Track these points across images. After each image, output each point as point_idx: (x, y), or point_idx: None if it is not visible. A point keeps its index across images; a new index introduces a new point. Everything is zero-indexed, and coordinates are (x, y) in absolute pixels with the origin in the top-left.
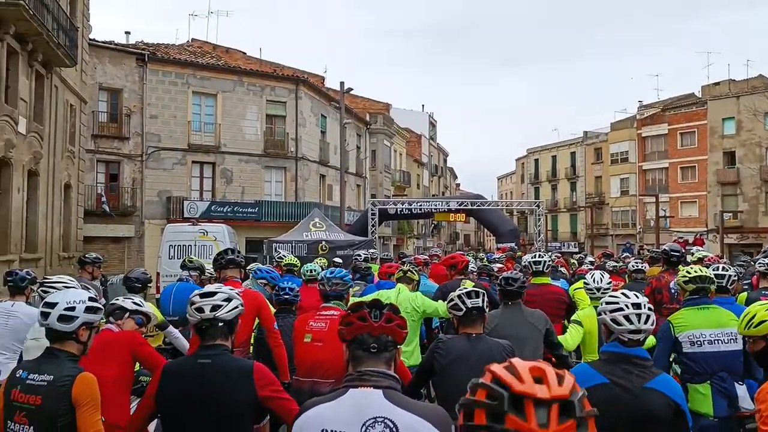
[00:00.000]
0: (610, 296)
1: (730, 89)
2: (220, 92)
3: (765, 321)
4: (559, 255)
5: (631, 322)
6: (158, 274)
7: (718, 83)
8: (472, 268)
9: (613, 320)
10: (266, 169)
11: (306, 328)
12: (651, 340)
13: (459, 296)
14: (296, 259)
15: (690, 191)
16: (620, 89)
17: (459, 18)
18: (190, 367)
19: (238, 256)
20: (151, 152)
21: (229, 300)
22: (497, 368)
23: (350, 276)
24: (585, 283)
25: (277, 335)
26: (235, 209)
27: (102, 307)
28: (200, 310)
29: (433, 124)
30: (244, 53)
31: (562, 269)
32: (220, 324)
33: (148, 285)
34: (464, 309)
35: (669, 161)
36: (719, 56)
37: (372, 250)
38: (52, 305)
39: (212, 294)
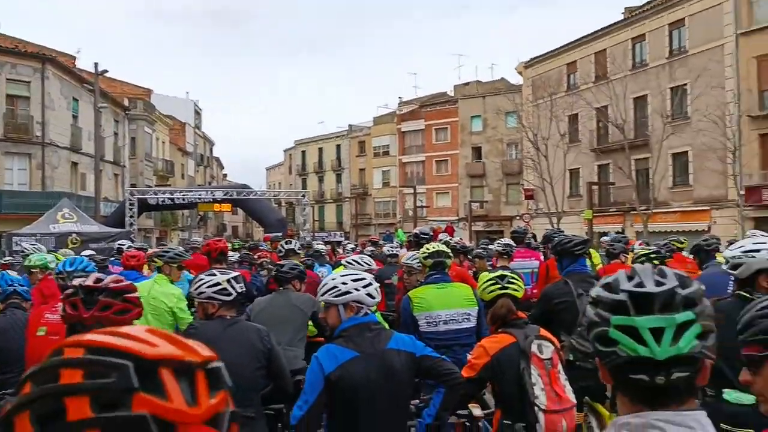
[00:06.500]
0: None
1: (477, 90)
2: None
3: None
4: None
5: (373, 297)
6: None
7: (467, 83)
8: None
9: (369, 294)
10: (7, 155)
11: (41, 320)
12: None
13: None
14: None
15: (444, 183)
16: (383, 85)
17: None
18: None
19: None
20: None
21: None
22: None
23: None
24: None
25: None
26: None
27: None
28: None
29: (198, 112)
30: None
31: (327, 256)
32: None
33: None
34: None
35: (426, 155)
36: (468, 59)
37: (127, 243)
38: None
39: None
